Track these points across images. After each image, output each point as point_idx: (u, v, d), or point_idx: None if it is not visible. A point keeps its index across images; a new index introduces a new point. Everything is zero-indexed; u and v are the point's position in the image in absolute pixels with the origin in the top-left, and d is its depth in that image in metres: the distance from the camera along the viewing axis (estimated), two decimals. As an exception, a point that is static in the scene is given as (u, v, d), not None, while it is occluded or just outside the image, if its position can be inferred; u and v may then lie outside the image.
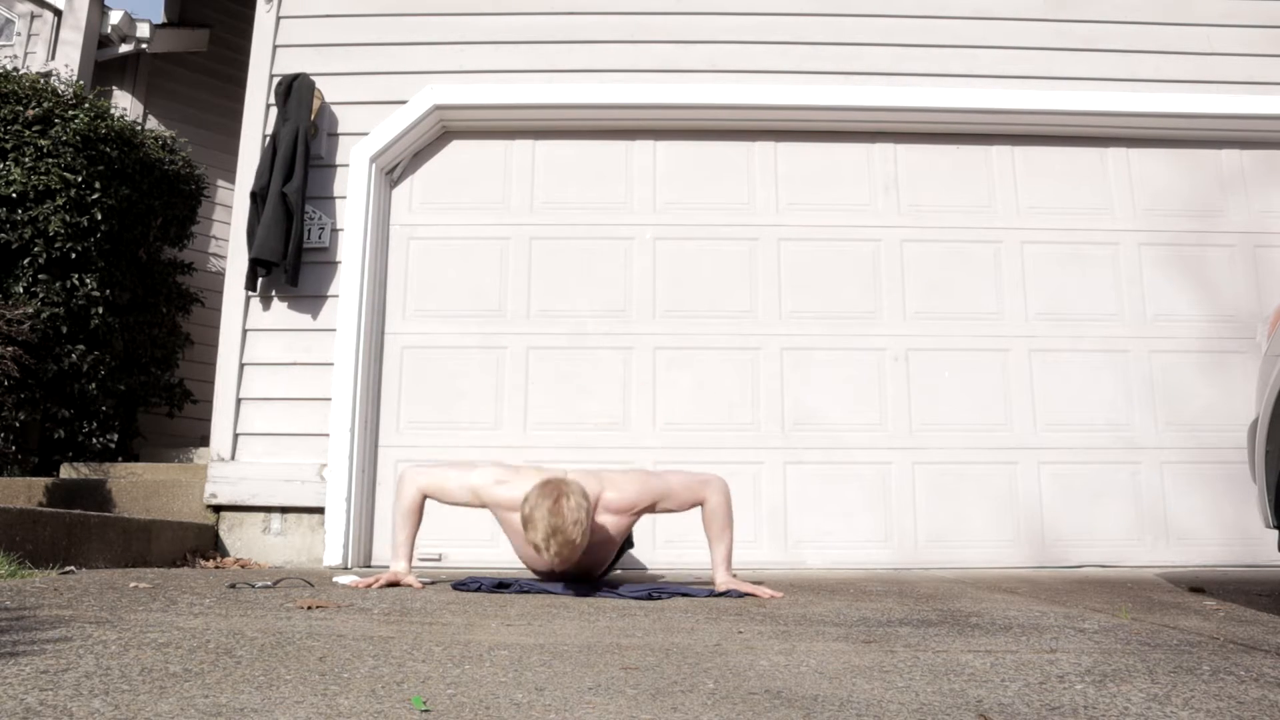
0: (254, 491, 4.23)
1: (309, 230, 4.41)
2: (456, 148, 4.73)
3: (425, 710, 1.27)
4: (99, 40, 6.18)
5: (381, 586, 2.92)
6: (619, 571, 4.06)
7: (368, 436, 4.37)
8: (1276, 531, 2.52)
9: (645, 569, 4.23)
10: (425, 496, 3.05)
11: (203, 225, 6.29)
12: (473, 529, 4.28)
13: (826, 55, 4.65)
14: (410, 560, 3.05)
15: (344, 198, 4.48)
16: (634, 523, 3.09)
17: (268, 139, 4.48)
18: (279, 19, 4.67)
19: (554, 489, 2.66)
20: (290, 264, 4.28)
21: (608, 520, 2.97)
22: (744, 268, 4.61)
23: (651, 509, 3.04)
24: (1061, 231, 4.65)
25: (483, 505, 3.04)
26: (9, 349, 3.92)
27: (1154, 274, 4.62)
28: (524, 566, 3.63)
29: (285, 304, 4.41)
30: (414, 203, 4.68)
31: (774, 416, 4.46)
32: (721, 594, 2.89)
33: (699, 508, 3.07)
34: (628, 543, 3.40)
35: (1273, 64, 4.64)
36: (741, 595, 2.88)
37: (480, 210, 4.66)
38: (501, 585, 2.93)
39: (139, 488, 4.26)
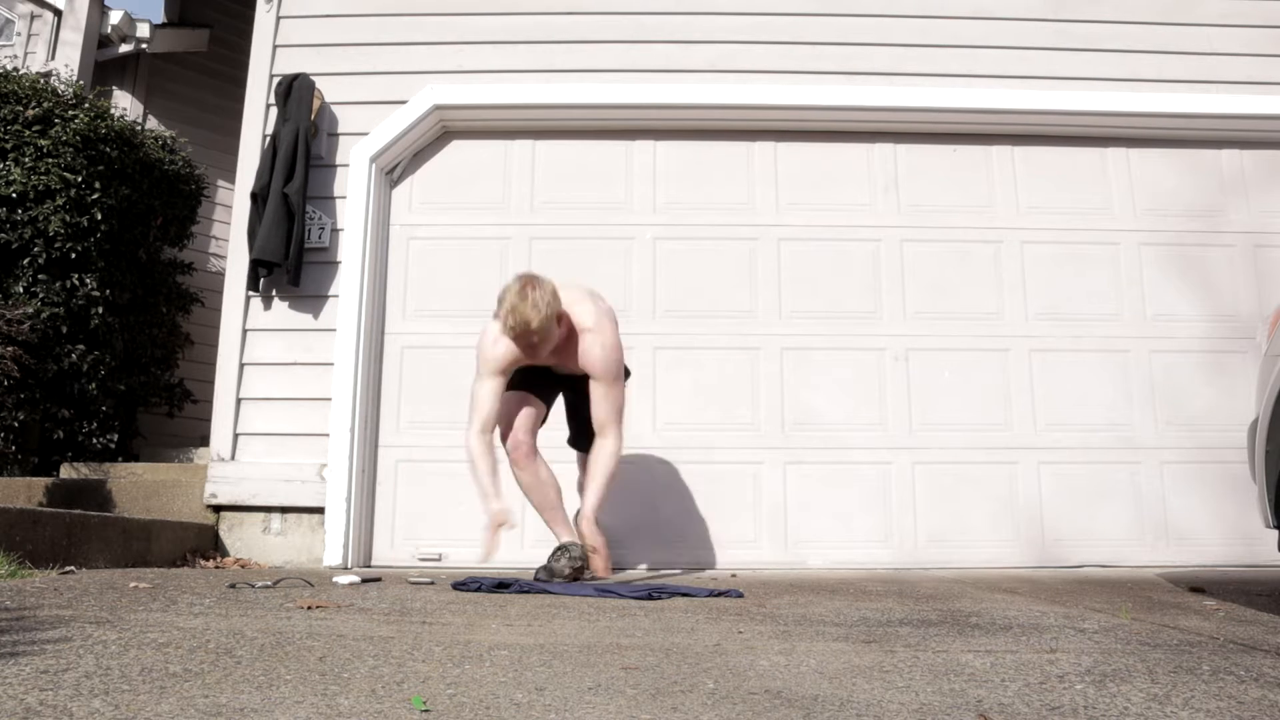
0: (254, 491, 4.23)
1: (310, 230, 4.41)
2: (456, 148, 4.73)
3: (425, 710, 1.27)
4: (99, 40, 6.17)
5: (496, 530, 3.14)
6: (618, 571, 4.06)
7: (368, 436, 4.36)
8: (1276, 531, 2.52)
9: (646, 569, 4.23)
10: (485, 436, 3.23)
11: (203, 225, 6.29)
12: (473, 529, 4.27)
13: (827, 55, 4.64)
14: (500, 496, 3.20)
15: (344, 198, 4.48)
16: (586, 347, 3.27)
17: (268, 139, 4.48)
18: (279, 19, 4.67)
19: (529, 279, 3.10)
20: (292, 264, 4.28)
21: (572, 333, 3.25)
22: (744, 268, 4.60)
23: (590, 352, 3.24)
24: (1061, 231, 4.65)
25: (507, 363, 3.25)
26: (9, 349, 3.92)
27: (1154, 274, 4.62)
28: (523, 568, 3.63)
29: (285, 304, 4.41)
30: (414, 203, 4.68)
31: (774, 416, 4.45)
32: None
33: (596, 443, 3.27)
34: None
35: (1273, 64, 4.64)
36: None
37: (480, 210, 4.66)
38: (501, 585, 2.93)
39: (139, 488, 4.25)
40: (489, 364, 3.26)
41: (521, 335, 3.06)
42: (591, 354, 3.25)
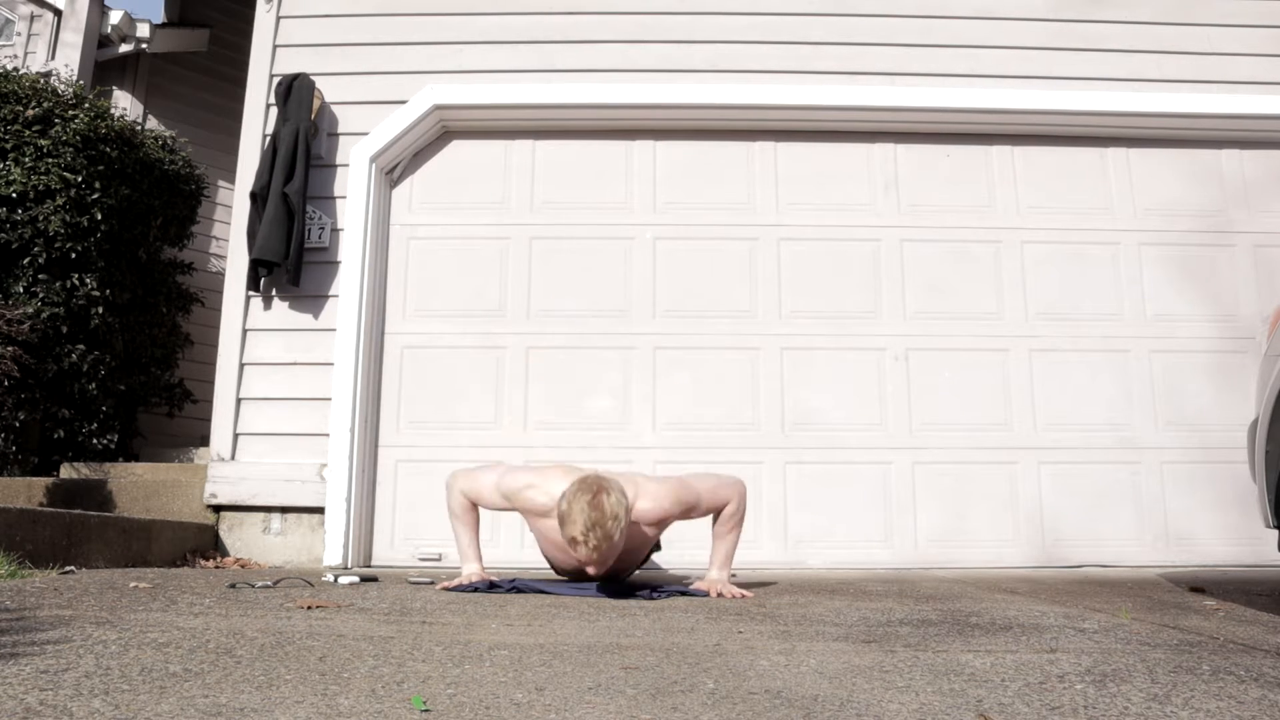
0: (254, 491, 4.23)
1: (310, 230, 4.41)
2: (456, 148, 4.73)
3: (425, 710, 1.27)
4: (99, 40, 6.17)
5: (459, 587, 2.93)
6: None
7: (368, 436, 4.37)
8: (1276, 531, 2.52)
9: (646, 569, 4.23)
10: (470, 499, 3.07)
11: (203, 225, 6.29)
12: (473, 529, 4.28)
13: (827, 55, 4.64)
14: (479, 560, 3.07)
15: (344, 198, 4.48)
16: (663, 530, 3.05)
17: (268, 139, 4.48)
18: (279, 19, 4.67)
19: (593, 484, 2.63)
20: (292, 264, 4.28)
21: (637, 531, 2.88)
22: (744, 268, 4.60)
23: (683, 516, 3.00)
24: (1061, 231, 4.65)
25: (514, 509, 3.02)
26: (9, 349, 3.92)
27: (1154, 274, 4.62)
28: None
29: (285, 304, 4.41)
30: (414, 203, 4.68)
31: (774, 416, 4.45)
32: (703, 592, 2.88)
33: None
34: (655, 546, 3.37)
35: (1273, 64, 4.64)
36: (717, 595, 2.88)
37: (480, 210, 4.66)
38: (500, 585, 2.93)
39: (139, 488, 4.25)
40: (511, 503, 2.98)
41: (606, 556, 2.63)
42: (659, 511, 2.90)
